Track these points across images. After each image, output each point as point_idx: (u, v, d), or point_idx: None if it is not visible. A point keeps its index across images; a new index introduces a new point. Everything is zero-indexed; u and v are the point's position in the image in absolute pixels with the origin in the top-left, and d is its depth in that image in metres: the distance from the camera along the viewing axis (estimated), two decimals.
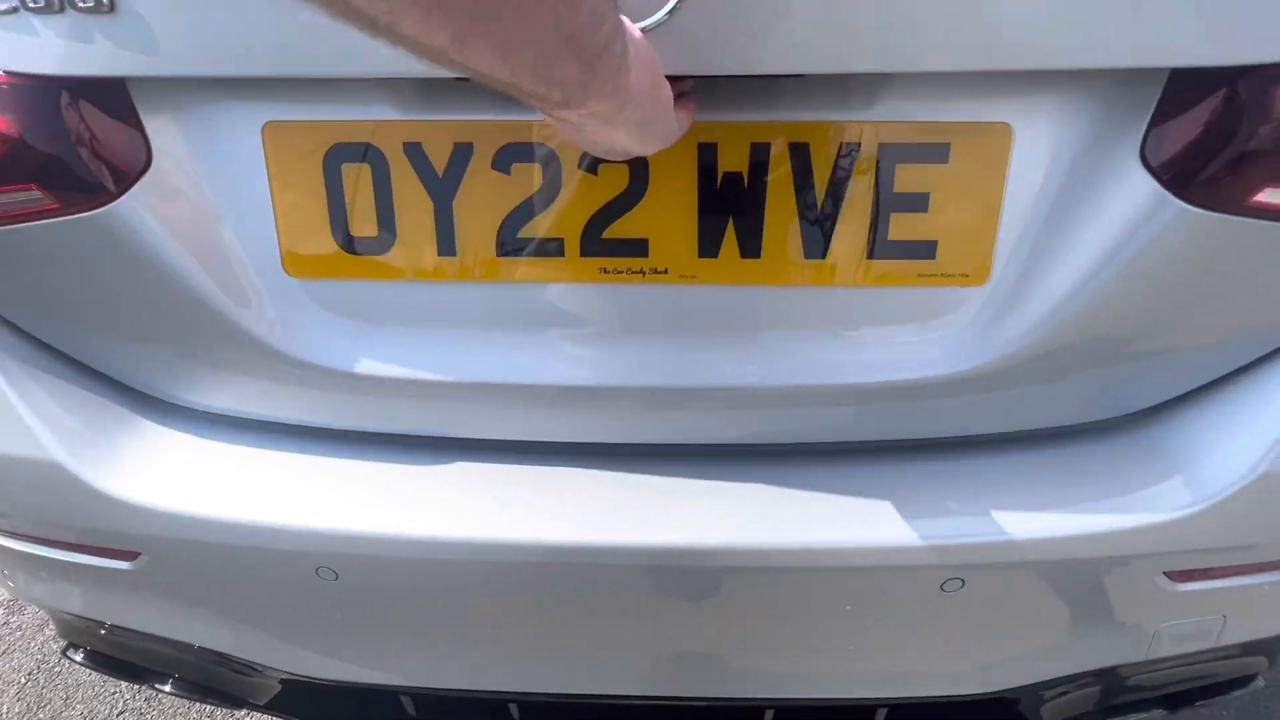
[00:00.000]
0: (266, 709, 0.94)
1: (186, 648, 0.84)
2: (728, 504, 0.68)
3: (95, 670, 0.95)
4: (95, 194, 0.60)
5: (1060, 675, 0.78)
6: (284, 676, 0.86)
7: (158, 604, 0.78)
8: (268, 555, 0.68)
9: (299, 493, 0.69)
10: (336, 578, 0.68)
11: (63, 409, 0.70)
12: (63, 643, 0.96)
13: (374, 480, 0.70)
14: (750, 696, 0.80)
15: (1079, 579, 0.69)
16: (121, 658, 0.92)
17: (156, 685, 0.92)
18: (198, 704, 1.36)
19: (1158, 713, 0.87)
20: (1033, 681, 0.78)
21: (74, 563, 0.75)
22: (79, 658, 0.93)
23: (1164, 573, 0.68)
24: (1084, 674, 0.78)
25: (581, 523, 0.66)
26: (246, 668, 0.84)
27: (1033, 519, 0.65)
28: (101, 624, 0.86)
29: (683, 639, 0.75)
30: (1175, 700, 0.87)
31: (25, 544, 0.76)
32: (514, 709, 0.86)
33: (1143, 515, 0.65)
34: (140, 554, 0.72)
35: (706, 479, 0.70)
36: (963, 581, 0.66)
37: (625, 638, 0.76)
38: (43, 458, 0.68)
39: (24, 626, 1.54)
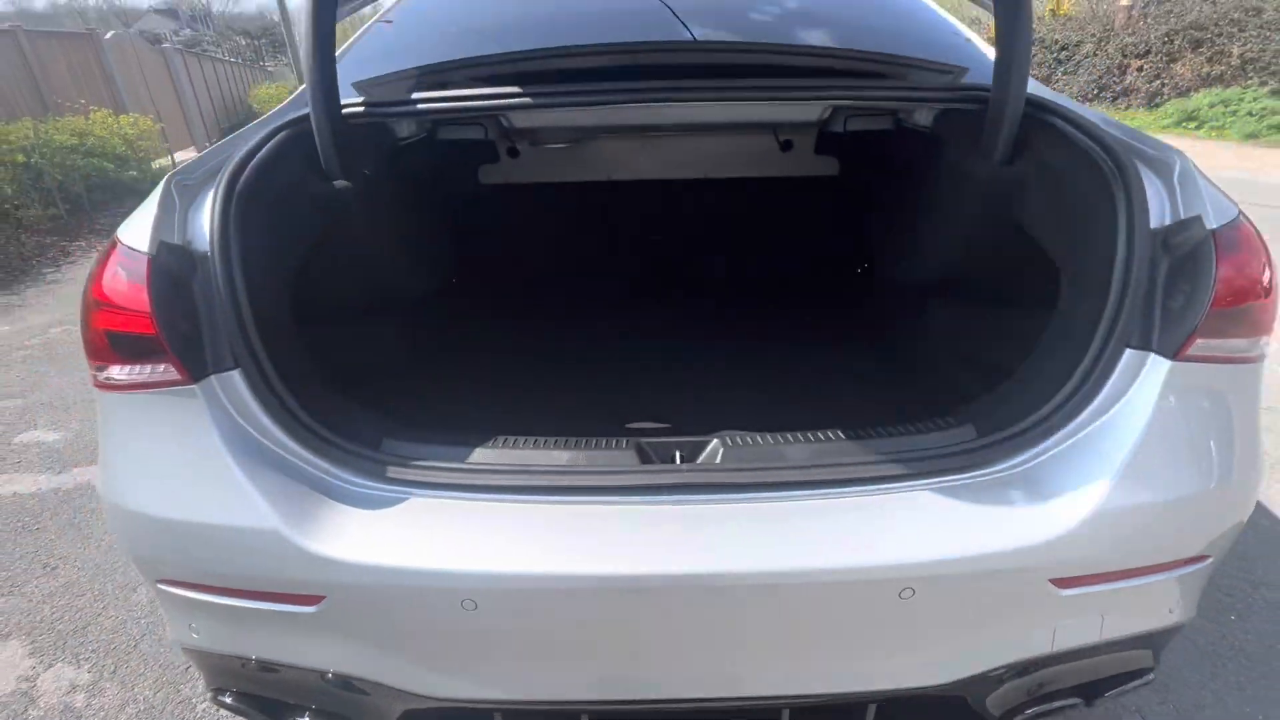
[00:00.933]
0: None
1: (325, 678, 1.07)
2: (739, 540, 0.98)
3: (240, 710, 1.17)
4: None
5: (991, 668, 1.06)
6: (407, 708, 1.09)
7: (324, 640, 1.03)
8: (425, 592, 0.96)
9: (449, 543, 0.97)
10: (476, 607, 0.95)
11: (278, 491, 0.99)
12: (212, 690, 1.18)
13: (506, 529, 0.98)
14: (767, 695, 1.06)
15: (1000, 586, 0.99)
16: (265, 695, 1.14)
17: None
18: None
19: (1077, 702, 1.14)
20: (971, 674, 1.06)
21: (265, 610, 1.01)
22: (228, 699, 1.15)
23: (1050, 580, 0.99)
24: (1008, 665, 1.06)
25: (650, 558, 0.95)
26: (378, 693, 1.07)
27: (959, 542, 0.96)
28: (253, 662, 1.09)
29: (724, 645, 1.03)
30: (1087, 690, 1.14)
31: (230, 598, 1.01)
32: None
33: (1031, 538, 0.96)
34: (325, 596, 0.98)
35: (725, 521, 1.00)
36: (914, 590, 0.96)
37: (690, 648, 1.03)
38: (266, 527, 0.96)
39: (106, 707, 1.70)
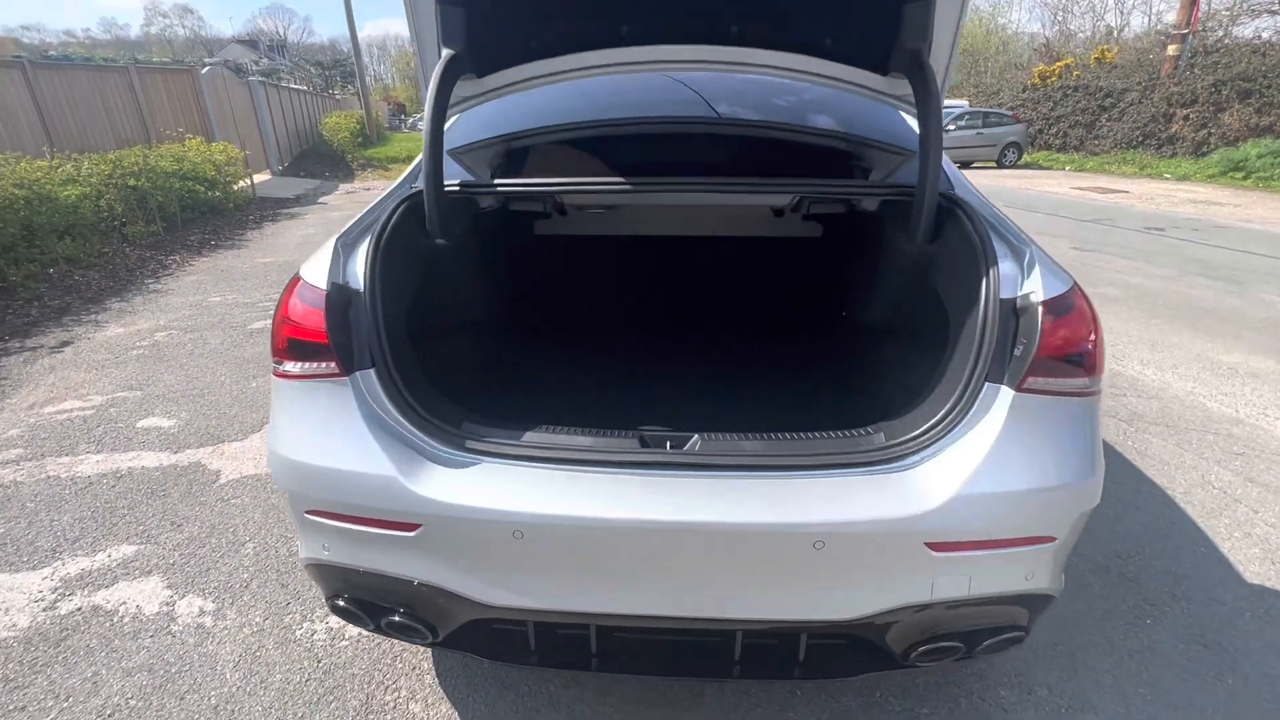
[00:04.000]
0: (448, 644, 1.61)
1: (414, 585, 1.52)
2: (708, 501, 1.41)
3: (347, 614, 1.63)
4: None
5: (887, 609, 1.45)
6: (469, 618, 1.54)
7: (418, 557, 1.49)
8: (488, 524, 1.41)
9: (505, 493, 1.43)
10: (523, 536, 1.40)
11: (395, 451, 1.46)
12: (330, 596, 1.65)
13: (545, 486, 1.44)
14: (722, 618, 1.48)
15: (887, 546, 1.39)
16: (370, 600, 1.61)
17: (385, 621, 1.61)
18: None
19: (959, 646, 1.52)
20: (873, 612, 1.45)
21: (379, 534, 1.48)
22: (342, 602, 1.62)
23: (925, 544, 1.39)
24: (900, 608, 1.45)
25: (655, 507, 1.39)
26: (451, 600, 1.52)
27: (859, 511, 1.37)
28: (365, 572, 1.55)
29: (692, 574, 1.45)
30: (968, 638, 1.52)
31: (355, 525, 1.49)
32: (594, 637, 1.54)
33: (907, 511, 1.37)
34: (421, 525, 1.45)
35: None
36: (824, 543, 1.37)
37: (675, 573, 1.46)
38: (386, 474, 1.43)
39: (228, 627, 2.20)
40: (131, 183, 7.81)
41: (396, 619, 1.59)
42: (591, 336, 2.90)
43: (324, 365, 1.48)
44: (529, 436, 1.55)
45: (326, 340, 1.46)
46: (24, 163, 6.70)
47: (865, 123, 2.22)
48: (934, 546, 1.40)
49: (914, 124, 2.26)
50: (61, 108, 9.41)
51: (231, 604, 2.31)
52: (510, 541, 1.42)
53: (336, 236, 1.58)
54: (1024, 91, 22.70)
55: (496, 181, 1.88)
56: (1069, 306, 1.42)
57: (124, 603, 2.32)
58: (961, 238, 1.61)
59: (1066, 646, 2.08)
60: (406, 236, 1.74)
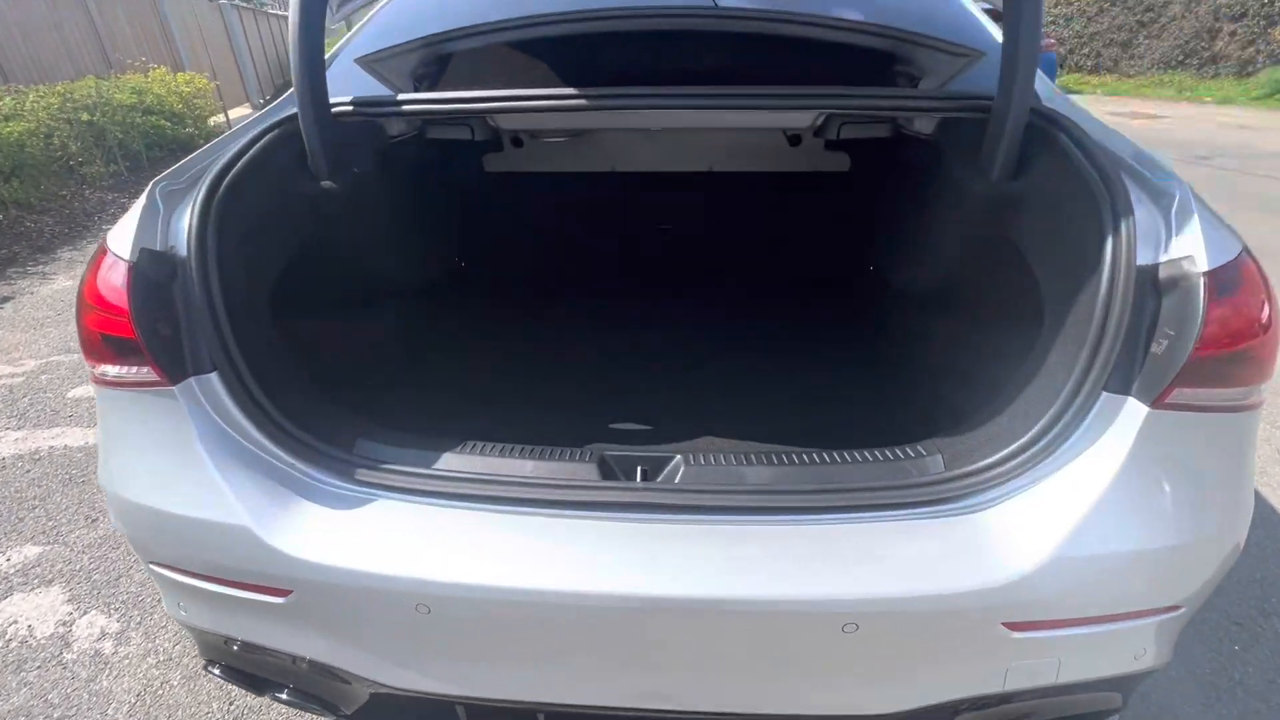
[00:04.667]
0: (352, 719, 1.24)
1: (303, 662, 1.14)
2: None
3: (229, 682, 1.26)
4: None
5: (941, 702, 1.05)
6: (374, 690, 1.16)
7: (295, 628, 1.10)
8: (382, 594, 1.00)
9: (405, 549, 1.01)
10: (429, 611, 0.99)
11: (251, 488, 1.04)
12: (204, 660, 1.27)
13: (463, 538, 1.01)
14: (710, 711, 1.08)
15: (946, 628, 0.98)
16: (251, 671, 1.23)
17: (274, 695, 1.23)
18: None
19: None
20: (922, 706, 1.05)
21: (242, 598, 1.08)
22: (217, 672, 1.24)
23: (1001, 623, 0.97)
24: (960, 701, 1.05)
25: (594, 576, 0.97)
26: (347, 679, 1.14)
27: (907, 581, 0.95)
28: (236, 642, 1.17)
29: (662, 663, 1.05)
30: None
31: (210, 584, 1.08)
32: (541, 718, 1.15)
33: (980, 581, 0.94)
34: (292, 590, 1.04)
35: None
36: (857, 625, 0.96)
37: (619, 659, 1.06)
38: (236, 523, 1.01)
39: (130, 656, 1.85)
40: (85, 117, 7.16)
41: (284, 696, 1.21)
42: (550, 313, 2.32)
43: (140, 370, 1.04)
44: (447, 462, 1.12)
45: (134, 334, 1.01)
46: None
47: (915, 11, 1.66)
48: (1015, 626, 0.98)
49: (979, 13, 1.71)
50: (13, 37, 8.65)
51: (139, 624, 1.95)
52: (414, 616, 1.01)
53: (156, 180, 1.11)
54: (1055, 7, 21.04)
55: (405, 97, 1.36)
56: (1237, 280, 0.94)
57: (14, 622, 1.97)
58: (1066, 173, 1.11)
59: None
60: (274, 178, 1.26)
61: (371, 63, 1.56)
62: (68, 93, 7.31)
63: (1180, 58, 16.97)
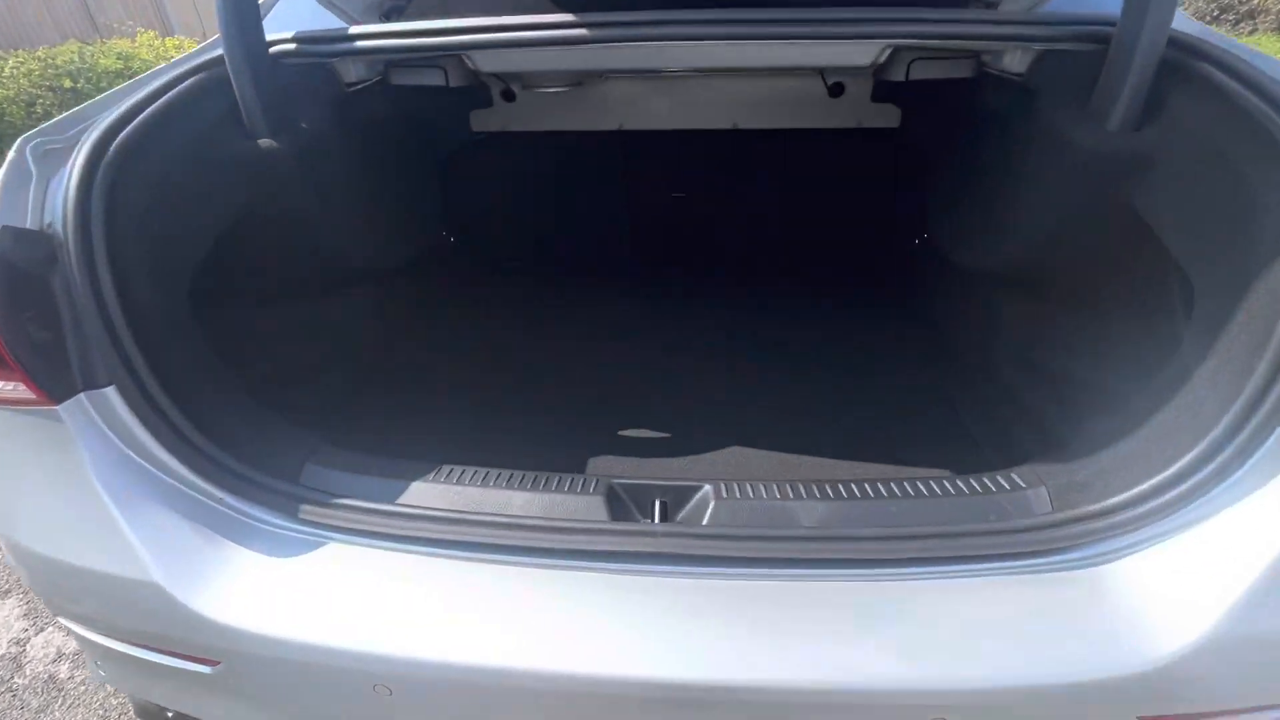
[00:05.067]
0: None
1: None
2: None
3: None
4: None
5: None
6: None
7: (228, 702, 0.88)
8: (333, 671, 0.78)
9: (362, 613, 0.78)
10: (390, 694, 0.77)
11: (164, 532, 0.81)
12: None
13: (434, 598, 0.78)
14: None
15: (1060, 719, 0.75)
16: None
17: None
18: None
19: None
20: None
21: (162, 663, 0.86)
22: None
23: (1139, 717, 0.74)
24: None
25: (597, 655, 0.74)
26: None
27: (1014, 661, 0.72)
28: (169, 711, 0.96)
29: None
30: None
31: (124, 646, 0.87)
32: None
33: (1110, 666, 0.71)
34: (220, 660, 0.82)
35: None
36: None
37: None
38: (145, 579, 0.79)
39: (88, 681, 1.66)
40: (68, 84, 6.87)
41: None
42: (549, 300, 1.95)
43: (13, 386, 0.80)
44: (418, 494, 0.89)
45: None
46: None
47: None
48: None
49: None
50: None
51: None
52: (374, 699, 0.79)
53: (28, 135, 0.85)
54: None
55: (357, 31, 1.09)
56: None
57: None
58: (1224, 118, 0.84)
59: None
60: (192, 135, 1.00)
61: None
62: (49, 58, 7.01)
63: (1216, 11, 16.16)
